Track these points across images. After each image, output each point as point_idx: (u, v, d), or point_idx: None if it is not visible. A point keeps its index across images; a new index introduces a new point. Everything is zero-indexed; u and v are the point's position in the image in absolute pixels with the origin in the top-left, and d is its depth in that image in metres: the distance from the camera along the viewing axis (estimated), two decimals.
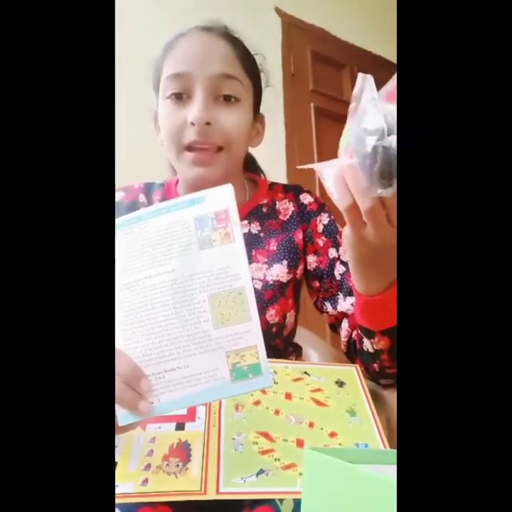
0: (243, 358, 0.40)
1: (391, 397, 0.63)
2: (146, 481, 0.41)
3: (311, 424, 0.49)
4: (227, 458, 0.44)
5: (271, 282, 0.65)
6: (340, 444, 0.47)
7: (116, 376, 0.39)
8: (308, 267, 0.70)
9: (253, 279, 0.65)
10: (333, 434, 0.48)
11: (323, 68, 2.07)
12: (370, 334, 0.56)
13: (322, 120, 2.00)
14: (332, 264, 0.69)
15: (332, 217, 0.72)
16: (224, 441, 0.45)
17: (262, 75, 0.69)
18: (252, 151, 0.77)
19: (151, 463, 0.43)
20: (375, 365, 0.59)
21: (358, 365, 0.59)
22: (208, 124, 0.59)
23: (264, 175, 0.81)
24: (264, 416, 0.49)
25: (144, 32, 1.60)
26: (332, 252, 0.69)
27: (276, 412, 0.50)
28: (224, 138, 0.60)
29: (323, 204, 0.73)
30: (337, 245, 0.70)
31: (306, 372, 0.56)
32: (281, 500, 0.42)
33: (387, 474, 0.27)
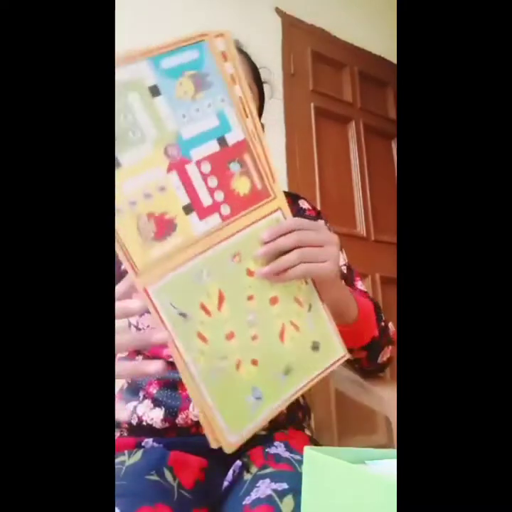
0: None
1: (388, 395, 0.64)
2: None
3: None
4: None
5: None
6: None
7: None
8: None
9: None
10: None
11: (323, 68, 2.07)
12: (350, 350, 0.59)
13: (322, 120, 2.00)
14: None
15: (328, 224, 0.77)
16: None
17: (266, 86, 0.72)
18: None
19: None
20: (356, 365, 0.71)
21: None
22: None
23: None
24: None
25: (143, 30, 1.59)
26: None
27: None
28: None
29: (319, 211, 0.79)
30: None
31: None
32: (281, 500, 0.42)
33: (386, 474, 0.27)
